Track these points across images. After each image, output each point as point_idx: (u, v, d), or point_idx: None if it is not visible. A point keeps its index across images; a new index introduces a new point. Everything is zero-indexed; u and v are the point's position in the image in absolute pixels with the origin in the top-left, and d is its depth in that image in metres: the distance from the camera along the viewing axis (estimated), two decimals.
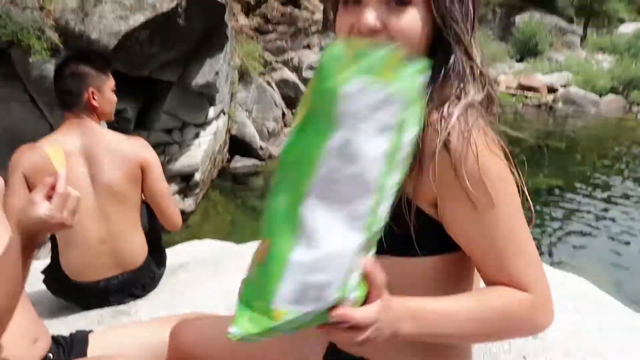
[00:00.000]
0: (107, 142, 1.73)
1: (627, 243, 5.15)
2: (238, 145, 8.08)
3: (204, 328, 1.08)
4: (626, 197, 6.51)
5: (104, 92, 1.76)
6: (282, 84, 9.96)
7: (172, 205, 1.84)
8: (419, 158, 0.73)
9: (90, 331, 1.30)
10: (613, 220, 5.77)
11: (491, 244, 0.75)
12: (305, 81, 10.31)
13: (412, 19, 0.73)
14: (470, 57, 0.76)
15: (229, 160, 7.91)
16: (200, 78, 5.87)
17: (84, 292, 1.79)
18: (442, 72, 0.76)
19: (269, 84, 9.60)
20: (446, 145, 0.71)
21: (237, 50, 8.37)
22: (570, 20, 23.13)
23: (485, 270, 0.78)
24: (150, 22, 4.92)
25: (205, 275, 1.91)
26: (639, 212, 6.01)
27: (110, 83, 1.79)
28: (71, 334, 1.28)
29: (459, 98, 0.74)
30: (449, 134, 0.71)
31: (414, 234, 0.76)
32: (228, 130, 7.84)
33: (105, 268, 1.77)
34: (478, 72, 0.77)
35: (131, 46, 4.96)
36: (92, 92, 1.71)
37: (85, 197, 1.59)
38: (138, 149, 1.78)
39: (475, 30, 0.79)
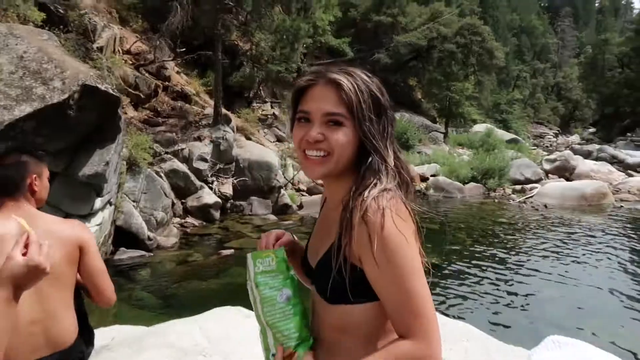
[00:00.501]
0: (45, 225, 1.76)
1: (497, 297, 5.96)
2: (124, 236, 7.74)
3: None
4: (495, 264, 7.46)
5: (43, 179, 1.86)
6: (172, 174, 9.92)
7: (109, 282, 1.88)
8: (350, 228, 1.02)
9: None
10: (489, 282, 6.64)
11: (391, 299, 1.01)
12: (195, 171, 10.38)
13: (343, 135, 1.07)
14: (383, 159, 1.08)
15: (113, 253, 7.51)
16: (89, 168, 5.74)
17: None
18: (364, 168, 1.08)
19: (158, 174, 9.51)
20: (364, 219, 1.00)
21: (126, 141, 8.31)
22: (434, 120, 26.44)
23: (391, 321, 1.04)
24: (37, 113, 4.82)
25: (129, 354, 1.88)
26: (509, 274, 7.04)
27: (46, 172, 1.90)
28: None
29: (375, 185, 1.04)
30: (366, 210, 1.00)
31: (349, 285, 1.03)
32: (114, 221, 7.52)
33: (35, 350, 1.71)
34: (390, 168, 1.08)
35: (14, 136, 4.78)
36: (35, 178, 1.81)
37: None
38: (77, 230, 1.84)
39: (390, 138, 1.13)
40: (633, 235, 9.48)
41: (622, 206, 12.26)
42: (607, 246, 8.61)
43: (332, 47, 22.77)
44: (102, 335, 1.99)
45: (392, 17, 24.97)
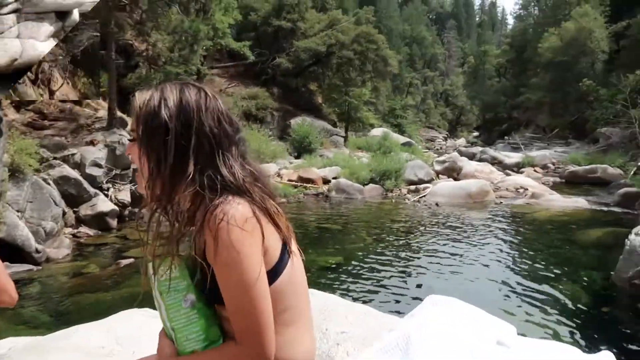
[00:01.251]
0: None
1: (395, 283, 6.40)
2: (7, 249, 7.10)
3: None
4: (392, 256, 8.04)
5: None
6: (62, 181, 9.24)
7: (9, 279, 1.76)
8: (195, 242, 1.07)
9: None
10: (387, 271, 7.12)
11: (228, 305, 1.06)
12: (88, 178, 9.74)
13: (134, 149, 1.15)
14: (159, 173, 1.11)
15: None
16: None
17: None
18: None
19: (46, 181, 8.82)
20: (203, 234, 1.04)
21: (7, 146, 7.62)
22: (335, 124, 27.26)
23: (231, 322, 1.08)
24: None
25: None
26: (405, 263, 7.53)
27: None
28: None
29: (202, 200, 1.08)
30: (201, 226, 1.04)
31: (210, 287, 1.07)
32: None
33: None
34: (201, 181, 1.08)
35: None
36: None
37: None
38: None
39: (195, 151, 1.09)
40: (509, 226, 10.64)
41: (501, 202, 13.58)
42: (488, 235, 9.60)
43: (232, 50, 22.59)
44: None
45: (292, 22, 25.35)
